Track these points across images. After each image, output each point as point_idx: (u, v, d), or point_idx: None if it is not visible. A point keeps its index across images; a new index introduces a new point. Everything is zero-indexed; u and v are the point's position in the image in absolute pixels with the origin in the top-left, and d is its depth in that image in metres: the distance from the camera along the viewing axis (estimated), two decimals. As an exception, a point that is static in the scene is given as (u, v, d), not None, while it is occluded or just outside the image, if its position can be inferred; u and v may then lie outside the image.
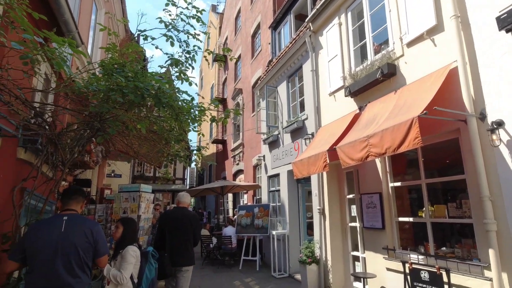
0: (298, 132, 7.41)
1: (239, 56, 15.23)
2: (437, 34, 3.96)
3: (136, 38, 4.94)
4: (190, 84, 3.25)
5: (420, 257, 4.09)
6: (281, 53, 8.48)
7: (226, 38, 18.60)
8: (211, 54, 3.74)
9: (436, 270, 3.45)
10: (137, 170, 20.57)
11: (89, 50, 6.29)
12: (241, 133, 13.70)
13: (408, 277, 3.80)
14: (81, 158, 4.44)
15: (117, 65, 2.85)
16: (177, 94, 3.20)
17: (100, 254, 2.45)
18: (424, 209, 4.20)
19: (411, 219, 4.49)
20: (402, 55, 4.51)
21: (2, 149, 2.59)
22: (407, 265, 3.83)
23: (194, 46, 3.39)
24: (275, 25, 9.87)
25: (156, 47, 3.34)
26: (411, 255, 4.19)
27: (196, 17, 3.29)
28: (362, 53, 5.65)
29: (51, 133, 2.94)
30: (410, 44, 4.37)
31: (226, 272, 8.00)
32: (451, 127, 3.71)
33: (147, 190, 5.84)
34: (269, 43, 10.56)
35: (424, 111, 3.21)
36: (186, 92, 3.23)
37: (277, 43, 9.88)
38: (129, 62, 2.96)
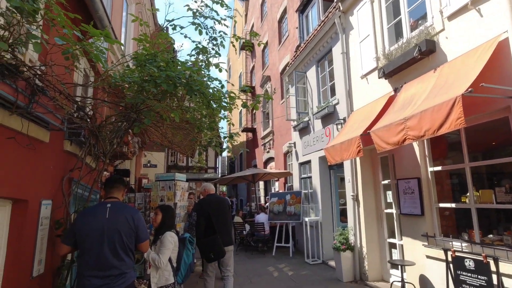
0: (329, 117, 7.23)
1: (266, 42, 15.02)
2: (484, 3, 3.60)
3: (165, 29, 5.03)
4: (220, 70, 3.27)
5: (464, 244, 3.87)
6: (309, 37, 8.22)
7: (252, 26, 18.38)
8: (238, 41, 3.73)
9: (482, 259, 3.25)
10: (171, 160, 21.31)
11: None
12: (270, 121, 13.64)
13: (451, 265, 3.62)
14: (120, 149, 4.66)
15: (148, 56, 2.93)
16: (207, 82, 3.23)
17: (141, 239, 2.57)
18: (468, 194, 3.95)
19: (453, 205, 4.25)
20: (443, 30, 4.18)
21: (51, 142, 2.78)
22: (449, 253, 3.64)
23: (220, 31, 3.39)
24: (302, 8, 9.56)
25: (185, 36, 3.38)
26: (454, 243, 3.98)
27: (220, 1, 3.28)
28: (396, 31, 5.32)
29: (92, 125, 3.12)
30: (452, 16, 4.03)
31: (260, 258, 8.16)
32: (499, 105, 3.40)
33: (182, 179, 6.05)
34: (297, 28, 10.28)
35: (469, 89, 2.97)
36: (217, 79, 3.25)
37: (305, 27, 9.58)
38: (160, 52, 3.02)
